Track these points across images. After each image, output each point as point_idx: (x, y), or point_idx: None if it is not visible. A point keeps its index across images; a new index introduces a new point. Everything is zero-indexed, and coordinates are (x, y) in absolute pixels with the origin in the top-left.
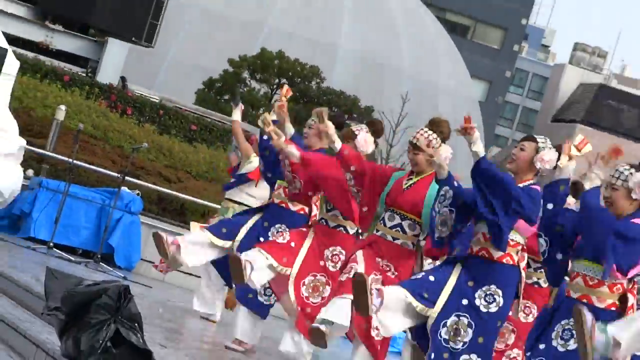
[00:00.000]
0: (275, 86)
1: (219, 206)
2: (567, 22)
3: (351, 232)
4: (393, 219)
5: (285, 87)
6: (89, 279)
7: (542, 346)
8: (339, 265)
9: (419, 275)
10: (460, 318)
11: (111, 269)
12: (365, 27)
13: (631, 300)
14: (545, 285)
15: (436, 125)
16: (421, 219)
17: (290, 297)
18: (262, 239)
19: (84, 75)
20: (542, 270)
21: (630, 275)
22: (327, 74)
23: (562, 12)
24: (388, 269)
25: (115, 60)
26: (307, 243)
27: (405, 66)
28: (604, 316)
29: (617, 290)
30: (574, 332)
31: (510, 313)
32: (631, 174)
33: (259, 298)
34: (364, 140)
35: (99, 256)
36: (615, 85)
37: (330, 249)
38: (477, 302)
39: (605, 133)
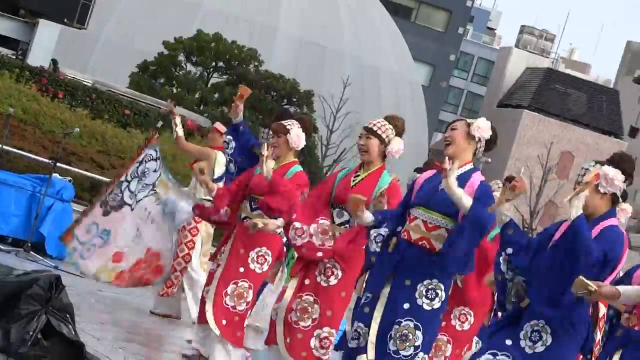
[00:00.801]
0: (211, 69)
1: None
2: (514, 4)
3: (277, 231)
4: (342, 216)
5: (243, 88)
6: (19, 269)
7: (508, 342)
8: (265, 266)
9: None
10: (403, 323)
11: (42, 258)
12: (305, 9)
13: (602, 310)
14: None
15: (391, 118)
16: None
17: (210, 323)
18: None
19: (14, 57)
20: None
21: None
22: (266, 57)
23: None
24: (330, 272)
25: (47, 42)
26: (227, 250)
27: (346, 49)
28: (577, 320)
29: None
30: (542, 334)
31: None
32: (595, 168)
33: None
34: (297, 135)
35: (30, 245)
36: (563, 69)
37: (256, 250)
38: (420, 301)
39: (552, 119)
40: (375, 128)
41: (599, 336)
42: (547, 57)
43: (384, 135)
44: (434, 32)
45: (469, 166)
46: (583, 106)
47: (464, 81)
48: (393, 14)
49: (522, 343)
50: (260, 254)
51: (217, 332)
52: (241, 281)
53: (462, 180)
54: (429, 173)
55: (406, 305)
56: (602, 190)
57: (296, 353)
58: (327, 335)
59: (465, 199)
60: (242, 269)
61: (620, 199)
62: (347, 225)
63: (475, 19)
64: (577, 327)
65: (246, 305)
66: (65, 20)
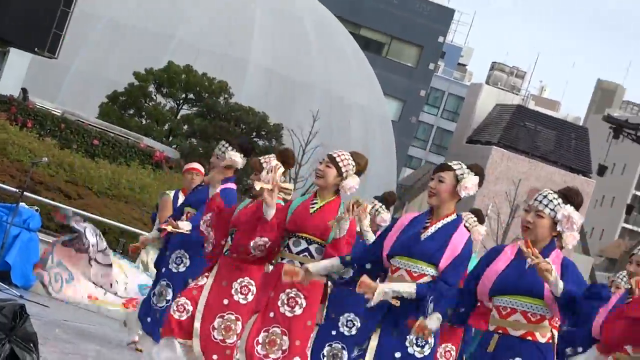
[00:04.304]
0: (181, 101)
1: (119, 224)
2: (485, 40)
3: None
4: (299, 245)
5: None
6: None
7: None
8: (249, 296)
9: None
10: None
11: (7, 287)
12: (276, 42)
13: (555, 335)
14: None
15: (356, 155)
16: (328, 243)
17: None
18: (163, 269)
19: None
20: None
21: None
22: (236, 89)
23: (480, 30)
24: (294, 302)
25: (17, 70)
26: (209, 284)
27: (316, 82)
28: (547, 350)
29: (555, 322)
30: None
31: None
32: (560, 204)
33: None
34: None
35: None
36: (533, 106)
37: (239, 281)
38: (411, 350)
39: (521, 155)
40: (338, 159)
41: None
42: (518, 94)
43: (343, 169)
44: (405, 67)
45: (453, 217)
46: (552, 143)
47: (434, 117)
48: (364, 48)
49: None
50: (243, 284)
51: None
52: (227, 314)
53: (445, 233)
54: (409, 217)
55: (397, 354)
56: (558, 229)
57: None
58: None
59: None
60: (226, 301)
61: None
62: (305, 254)
63: (447, 55)
64: (546, 355)
65: (236, 338)
66: (36, 49)
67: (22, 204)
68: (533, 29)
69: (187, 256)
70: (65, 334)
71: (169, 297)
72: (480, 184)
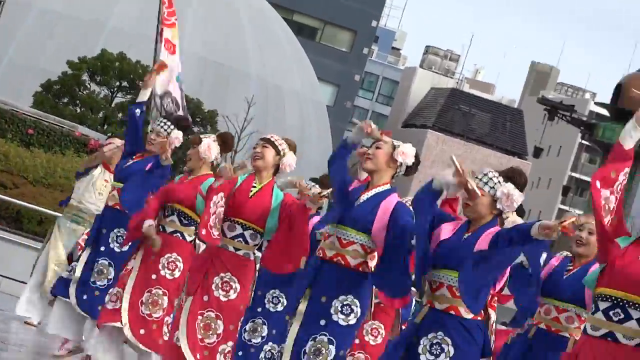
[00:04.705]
0: (115, 89)
1: (55, 213)
2: (419, 24)
3: (188, 239)
4: (234, 229)
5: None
6: None
7: None
8: (176, 272)
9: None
10: (318, 338)
11: None
12: (209, 29)
13: (493, 316)
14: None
15: (285, 139)
16: (264, 229)
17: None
18: (103, 248)
19: None
20: None
21: (498, 288)
22: None
23: (414, 14)
24: (229, 287)
25: None
26: (137, 262)
27: (251, 69)
28: (470, 325)
29: (493, 302)
30: (443, 346)
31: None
32: (500, 182)
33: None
34: (207, 145)
35: None
36: (468, 89)
37: (166, 256)
38: (335, 317)
39: (456, 139)
40: (272, 139)
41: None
42: (452, 78)
43: (280, 147)
44: (339, 52)
45: (387, 187)
46: (487, 126)
47: (369, 101)
48: (297, 33)
49: (423, 358)
50: (170, 260)
51: (135, 341)
52: (155, 289)
53: (376, 200)
54: (354, 185)
55: (322, 322)
56: (498, 206)
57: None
58: (231, 349)
59: None
60: (154, 276)
61: (513, 214)
62: (240, 240)
63: (380, 39)
64: (472, 332)
65: (163, 312)
66: None
67: None
68: (467, 11)
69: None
70: (3, 324)
71: (111, 276)
72: (415, 169)
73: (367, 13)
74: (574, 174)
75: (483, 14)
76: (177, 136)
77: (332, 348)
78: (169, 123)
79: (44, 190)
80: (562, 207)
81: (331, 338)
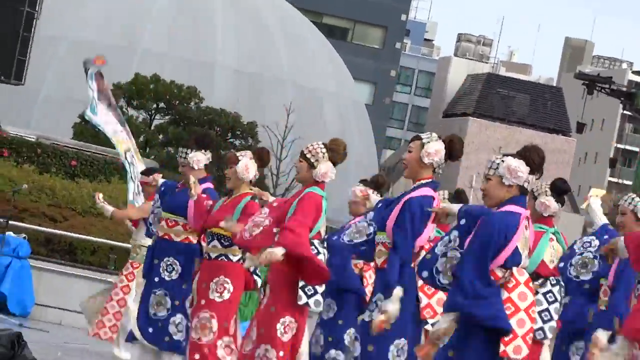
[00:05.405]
0: (153, 111)
1: (107, 241)
2: (448, 13)
3: (234, 259)
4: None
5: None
6: None
7: None
8: (225, 294)
9: None
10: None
11: (5, 317)
12: (240, 40)
13: (424, 300)
14: None
15: (332, 141)
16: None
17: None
18: (157, 279)
19: None
20: None
21: None
22: (206, 93)
23: (442, 3)
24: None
25: None
26: (194, 288)
27: (285, 76)
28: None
29: None
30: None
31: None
32: (502, 161)
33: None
34: (245, 165)
35: None
36: (504, 72)
37: (215, 280)
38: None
39: (498, 123)
40: (305, 151)
41: None
42: (487, 63)
43: (312, 159)
44: (372, 49)
45: (422, 182)
46: (527, 107)
47: (407, 95)
48: (328, 35)
49: None
50: (219, 283)
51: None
52: (202, 312)
53: (401, 197)
54: None
55: (203, 302)
56: (506, 183)
57: None
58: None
59: None
60: (203, 302)
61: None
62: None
63: (412, 32)
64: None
65: (213, 336)
66: (1, 77)
67: (8, 233)
68: None
69: (177, 263)
70: (67, 356)
71: (168, 305)
72: (456, 153)
73: (395, 8)
74: (619, 145)
75: None
76: (194, 158)
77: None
78: (184, 150)
79: (94, 219)
80: (611, 179)
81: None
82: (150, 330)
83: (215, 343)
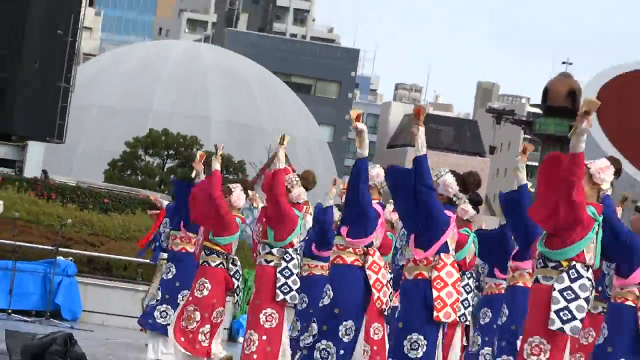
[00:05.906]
0: (165, 157)
1: (135, 259)
2: (388, 68)
3: (212, 264)
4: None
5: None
6: (41, 333)
7: None
8: (204, 292)
9: None
10: None
11: (60, 322)
12: (229, 98)
13: (434, 293)
14: None
15: (303, 173)
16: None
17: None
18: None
19: (13, 174)
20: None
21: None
22: (205, 140)
23: (382, 61)
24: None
25: (36, 157)
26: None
27: (266, 124)
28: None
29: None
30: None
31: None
32: (442, 175)
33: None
34: (237, 196)
35: (49, 314)
36: (432, 111)
37: (199, 281)
38: None
39: (430, 151)
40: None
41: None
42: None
43: (288, 185)
44: (330, 99)
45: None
46: (451, 137)
47: None
48: (296, 90)
49: None
50: (201, 283)
51: (179, 347)
52: (189, 306)
53: None
54: None
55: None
56: (438, 191)
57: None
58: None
59: None
60: (191, 298)
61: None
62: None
63: (360, 85)
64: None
65: (196, 324)
66: (47, 138)
67: (58, 257)
68: (422, 50)
69: (173, 265)
70: (109, 349)
71: (159, 297)
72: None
73: (347, 67)
74: None
75: (437, 50)
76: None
77: None
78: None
79: (124, 243)
80: None
81: None
82: (150, 321)
83: (198, 330)
